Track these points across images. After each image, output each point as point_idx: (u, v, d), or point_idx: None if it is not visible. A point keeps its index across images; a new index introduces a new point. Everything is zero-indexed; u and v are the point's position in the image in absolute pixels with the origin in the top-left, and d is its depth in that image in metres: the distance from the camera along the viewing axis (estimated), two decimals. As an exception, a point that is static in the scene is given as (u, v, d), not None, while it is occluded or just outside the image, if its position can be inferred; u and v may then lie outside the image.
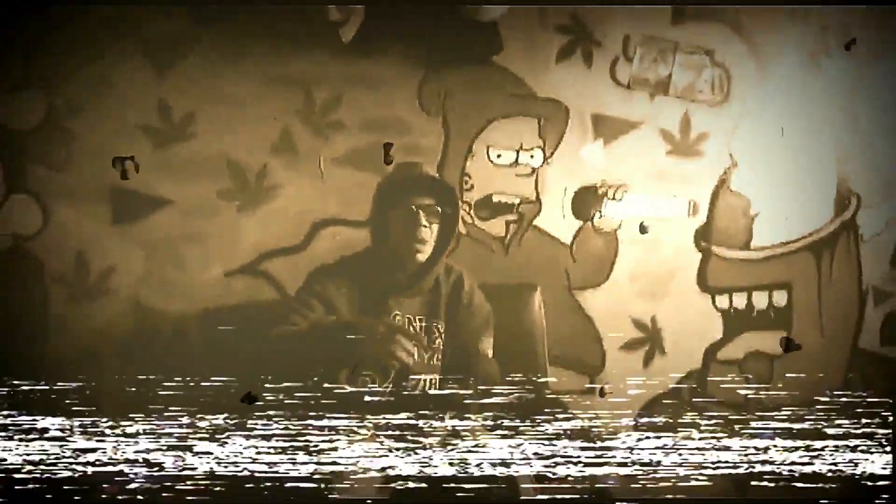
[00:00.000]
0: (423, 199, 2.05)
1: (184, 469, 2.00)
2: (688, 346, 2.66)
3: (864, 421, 2.37)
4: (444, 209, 2.08)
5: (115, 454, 2.06)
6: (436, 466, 1.94)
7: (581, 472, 2.07)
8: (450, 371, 2.11)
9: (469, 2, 2.41)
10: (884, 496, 2.13)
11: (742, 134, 2.66)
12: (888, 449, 2.26)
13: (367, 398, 1.96)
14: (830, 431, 2.34)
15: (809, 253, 2.68)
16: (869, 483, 2.16)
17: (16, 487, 1.98)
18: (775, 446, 2.29)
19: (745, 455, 2.24)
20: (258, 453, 2.00)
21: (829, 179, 2.69)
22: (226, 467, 1.99)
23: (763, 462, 2.24)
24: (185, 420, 2.12)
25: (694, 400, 2.61)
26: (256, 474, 1.96)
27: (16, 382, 2.26)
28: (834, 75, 2.69)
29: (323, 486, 1.85)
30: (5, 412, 2.20)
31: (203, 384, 2.16)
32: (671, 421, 2.49)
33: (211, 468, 1.99)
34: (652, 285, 2.66)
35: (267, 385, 1.99)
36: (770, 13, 2.65)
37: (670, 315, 2.65)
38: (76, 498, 1.97)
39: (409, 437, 1.97)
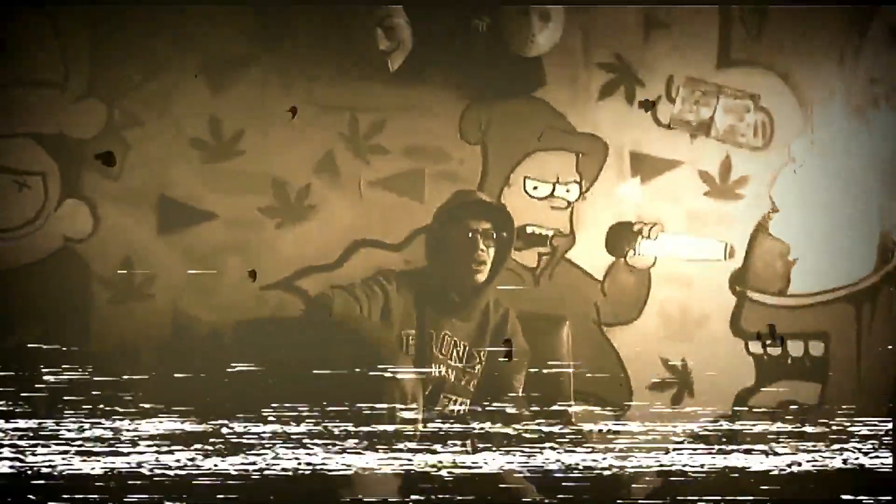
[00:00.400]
0: (481, 223, 2.11)
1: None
2: (718, 390, 2.61)
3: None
4: (500, 233, 2.14)
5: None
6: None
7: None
8: (478, 399, 2.14)
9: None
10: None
11: (783, 179, 2.64)
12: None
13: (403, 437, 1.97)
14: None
15: (849, 304, 2.63)
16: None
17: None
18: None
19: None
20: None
21: (871, 231, 2.65)
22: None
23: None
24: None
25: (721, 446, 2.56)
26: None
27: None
28: (880, 128, 2.67)
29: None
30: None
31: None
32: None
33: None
34: (684, 326, 2.63)
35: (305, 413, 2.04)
36: (818, 62, 2.64)
37: (701, 357, 2.62)
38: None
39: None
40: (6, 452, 2.10)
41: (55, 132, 2.51)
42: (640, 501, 2.31)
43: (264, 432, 2.07)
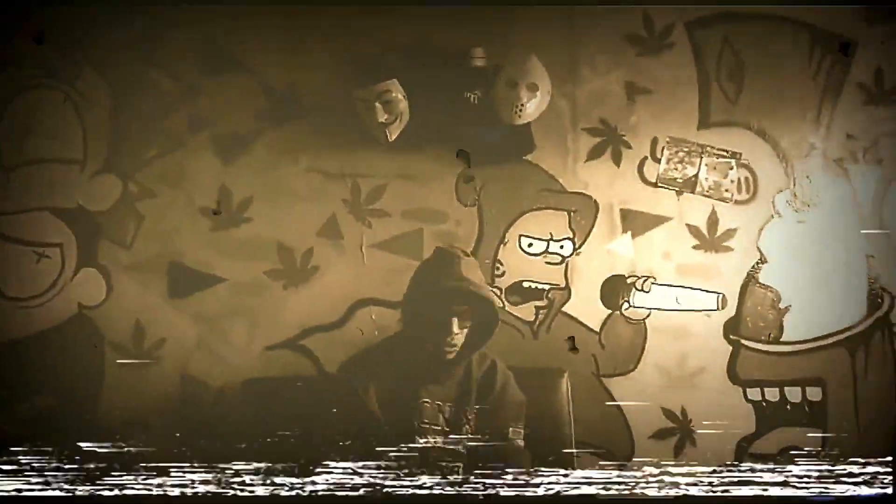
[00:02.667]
0: (461, 305, 2.10)
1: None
2: (719, 438, 2.62)
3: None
4: (476, 317, 2.13)
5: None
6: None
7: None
8: (476, 458, 2.12)
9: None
10: None
11: (770, 231, 2.72)
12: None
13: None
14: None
15: (843, 349, 2.67)
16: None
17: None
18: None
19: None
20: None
21: (860, 277, 2.70)
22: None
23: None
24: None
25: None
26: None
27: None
28: (860, 180, 2.75)
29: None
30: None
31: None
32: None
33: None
34: (681, 376, 2.67)
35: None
36: (795, 121, 2.75)
37: (701, 406, 2.64)
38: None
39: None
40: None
41: (73, 206, 2.67)
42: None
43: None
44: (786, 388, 2.65)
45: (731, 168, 2.75)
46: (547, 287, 2.70)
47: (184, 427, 2.48)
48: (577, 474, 2.20)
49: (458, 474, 2.09)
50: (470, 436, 2.14)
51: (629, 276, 2.69)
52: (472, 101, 2.63)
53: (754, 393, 2.65)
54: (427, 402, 2.13)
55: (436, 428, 2.12)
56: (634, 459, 2.60)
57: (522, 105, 2.57)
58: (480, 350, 2.19)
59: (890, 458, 2.25)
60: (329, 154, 2.70)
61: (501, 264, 2.69)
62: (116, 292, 2.64)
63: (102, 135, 2.68)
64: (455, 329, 2.08)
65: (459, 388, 2.17)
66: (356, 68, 2.65)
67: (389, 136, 2.60)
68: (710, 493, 2.21)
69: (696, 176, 2.74)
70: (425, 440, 2.10)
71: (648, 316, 2.68)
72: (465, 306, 2.10)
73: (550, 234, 2.71)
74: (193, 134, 2.69)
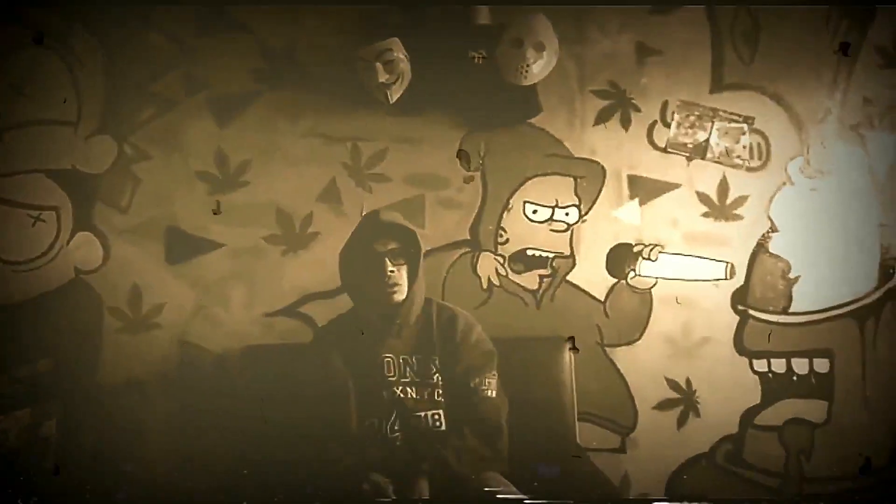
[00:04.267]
0: (388, 243, 2.11)
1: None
2: (724, 409, 2.60)
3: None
4: (409, 249, 2.13)
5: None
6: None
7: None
8: (452, 408, 2.10)
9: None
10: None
11: (781, 199, 2.66)
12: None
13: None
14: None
15: (853, 320, 2.62)
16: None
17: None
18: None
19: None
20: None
21: (872, 247, 2.65)
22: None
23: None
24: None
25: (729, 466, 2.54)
26: None
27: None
28: (875, 146, 2.68)
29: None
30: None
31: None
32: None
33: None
34: (687, 346, 2.63)
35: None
36: (811, 85, 2.67)
37: (705, 377, 2.61)
38: None
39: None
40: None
41: (68, 168, 2.61)
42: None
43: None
44: (793, 360, 2.61)
45: (744, 133, 2.67)
46: (551, 255, 2.64)
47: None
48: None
49: (441, 424, 2.08)
50: (440, 385, 2.12)
51: (636, 245, 2.64)
52: (475, 62, 2.56)
53: (761, 364, 2.61)
54: (389, 357, 2.12)
55: (405, 380, 2.11)
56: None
57: (528, 65, 2.49)
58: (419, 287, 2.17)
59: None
60: (328, 116, 2.63)
61: (505, 232, 2.63)
62: (113, 257, 2.61)
63: (96, 95, 2.62)
64: (389, 266, 2.08)
65: (421, 339, 2.15)
66: (356, 27, 2.57)
67: (390, 97, 2.53)
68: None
69: (706, 141, 2.67)
70: (399, 391, 2.09)
71: (655, 285, 2.64)
72: (393, 244, 2.10)
73: (556, 200, 2.65)
74: (189, 95, 2.62)
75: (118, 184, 2.61)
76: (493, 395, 2.12)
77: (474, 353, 2.15)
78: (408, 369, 2.13)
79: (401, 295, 2.11)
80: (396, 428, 2.07)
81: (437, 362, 2.14)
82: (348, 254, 2.18)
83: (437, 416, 2.10)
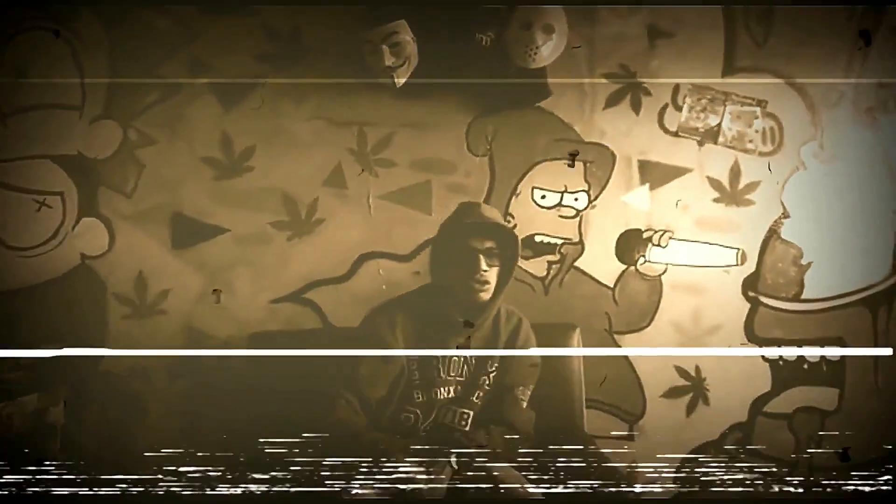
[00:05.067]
0: (484, 241, 2.08)
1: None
2: (733, 397, 2.58)
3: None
4: (505, 252, 2.11)
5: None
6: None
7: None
8: (485, 412, 2.11)
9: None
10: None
11: (794, 184, 2.62)
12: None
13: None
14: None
15: (865, 308, 2.59)
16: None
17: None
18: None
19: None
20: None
21: (885, 234, 2.61)
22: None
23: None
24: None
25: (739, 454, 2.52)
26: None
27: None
28: (890, 131, 2.63)
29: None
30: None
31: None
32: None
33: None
34: (696, 333, 2.61)
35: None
36: (825, 67, 2.62)
37: (715, 364, 2.59)
38: None
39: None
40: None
41: (73, 153, 2.60)
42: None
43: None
44: (804, 347, 2.58)
45: (756, 117, 2.62)
46: (560, 241, 2.61)
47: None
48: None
49: (466, 424, 2.08)
50: (487, 388, 2.13)
51: (646, 231, 2.60)
52: (483, 44, 2.51)
53: (771, 352, 2.59)
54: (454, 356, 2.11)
55: (459, 379, 2.12)
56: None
57: (537, 48, 2.45)
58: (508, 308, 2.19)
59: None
60: (334, 100, 2.59)
61: (513, 217, 2.60)
62: (119, 242, 2.59)
63: (100, 79, 2.59)
64: (483, 266, 2.05)
65: (486, 343, 2.15)
66: (362, 9, 2.52)
67: (397, 80, 2.49)
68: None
69: (718, 125, 2.62)
70: (446, 390, 2.10)
71: (665, 272, 2.61)
72: (490, 242, 2.07)
73: (565, 185, 2.61)
74: (193, 78, 2.59)
75: (123, 169, 2.59)
76: (526, 405, 2.15)
77: (526, 363, 2.17)
78: (465, 368, 2.13)
79: (487, 295, 2.09)
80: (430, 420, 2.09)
81: (492, 366, 2.14)
82: (441, 241, 2.16)
83: (465, 415, 2.11)
